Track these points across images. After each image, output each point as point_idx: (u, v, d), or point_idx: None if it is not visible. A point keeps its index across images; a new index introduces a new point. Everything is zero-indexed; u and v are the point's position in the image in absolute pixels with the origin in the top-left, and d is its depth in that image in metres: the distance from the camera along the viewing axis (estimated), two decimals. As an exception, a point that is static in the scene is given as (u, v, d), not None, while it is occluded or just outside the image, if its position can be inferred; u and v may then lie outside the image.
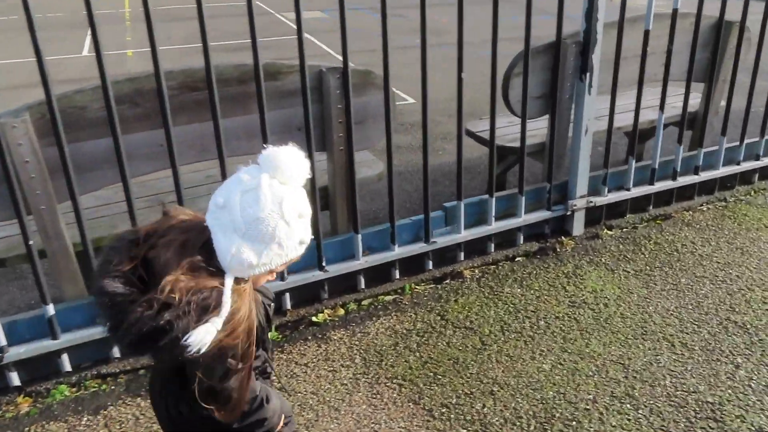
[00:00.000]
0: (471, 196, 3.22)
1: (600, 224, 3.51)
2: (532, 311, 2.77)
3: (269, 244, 1.13)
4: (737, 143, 3.79)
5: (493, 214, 3.13)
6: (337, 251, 2.85)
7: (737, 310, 2.75)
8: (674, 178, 3.62)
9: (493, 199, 3.10)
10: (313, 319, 2.77)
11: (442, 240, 3.05)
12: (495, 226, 3.17)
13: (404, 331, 2.67)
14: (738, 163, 3.82)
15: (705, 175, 3.73)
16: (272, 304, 1.55)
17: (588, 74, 3.07)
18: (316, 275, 2.77)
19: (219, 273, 1.13)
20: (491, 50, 2.85)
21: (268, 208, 1.12)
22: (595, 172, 3.43)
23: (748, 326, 2.63)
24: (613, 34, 3.26)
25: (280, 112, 2.59)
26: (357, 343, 2.61)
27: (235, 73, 2.45)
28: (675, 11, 3.21)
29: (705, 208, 3.69)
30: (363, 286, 2.95)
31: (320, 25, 10.41)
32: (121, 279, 1.09)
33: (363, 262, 2.88)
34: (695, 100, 3.88)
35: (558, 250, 3.28)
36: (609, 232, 3.44)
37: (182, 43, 9.06)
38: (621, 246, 3.30)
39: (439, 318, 2.75)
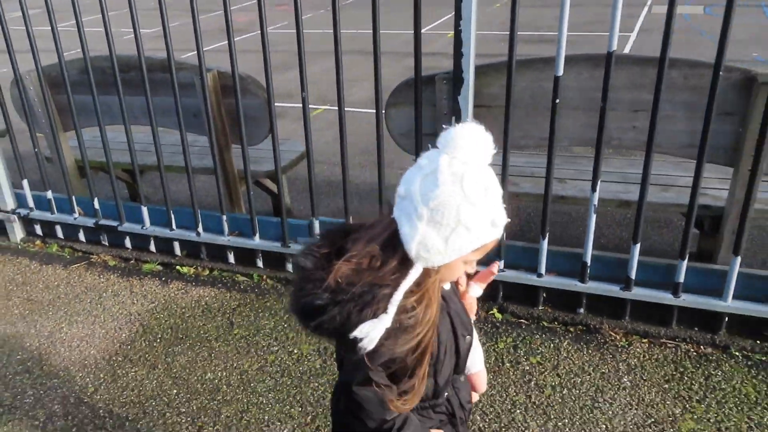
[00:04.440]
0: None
1: (496, 301, 2.83)
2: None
3: (455, 228, 1.06)
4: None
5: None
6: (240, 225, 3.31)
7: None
8: (627, 287, 2.57)
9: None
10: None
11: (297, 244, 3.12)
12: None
13: (193, 305, 3.03)
14: (777, 304, 2.39)
15: (690, 301, 2.50)
16: (468, 336, 1.33)
17: (453, 120, 2.53)
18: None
19: (406, 264, 1.09)
20: (374, 77, 2.61)
21: (448, 190, 1.04)
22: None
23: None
24: (592, 73, 2.49)
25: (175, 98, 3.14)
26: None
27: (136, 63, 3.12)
28: (610, 55, 2.24)
29: (670, 344, 2.52)
30: (232, 260, 3.34)
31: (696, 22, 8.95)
32: (313, 259, 1.12)
33: (227, 240, 3.26)
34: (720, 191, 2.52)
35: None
36: (497, 316, 2.78)
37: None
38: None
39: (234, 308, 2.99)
